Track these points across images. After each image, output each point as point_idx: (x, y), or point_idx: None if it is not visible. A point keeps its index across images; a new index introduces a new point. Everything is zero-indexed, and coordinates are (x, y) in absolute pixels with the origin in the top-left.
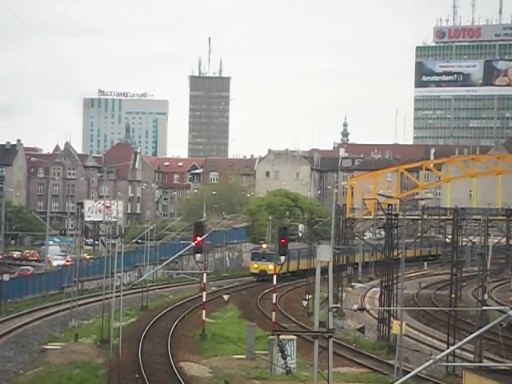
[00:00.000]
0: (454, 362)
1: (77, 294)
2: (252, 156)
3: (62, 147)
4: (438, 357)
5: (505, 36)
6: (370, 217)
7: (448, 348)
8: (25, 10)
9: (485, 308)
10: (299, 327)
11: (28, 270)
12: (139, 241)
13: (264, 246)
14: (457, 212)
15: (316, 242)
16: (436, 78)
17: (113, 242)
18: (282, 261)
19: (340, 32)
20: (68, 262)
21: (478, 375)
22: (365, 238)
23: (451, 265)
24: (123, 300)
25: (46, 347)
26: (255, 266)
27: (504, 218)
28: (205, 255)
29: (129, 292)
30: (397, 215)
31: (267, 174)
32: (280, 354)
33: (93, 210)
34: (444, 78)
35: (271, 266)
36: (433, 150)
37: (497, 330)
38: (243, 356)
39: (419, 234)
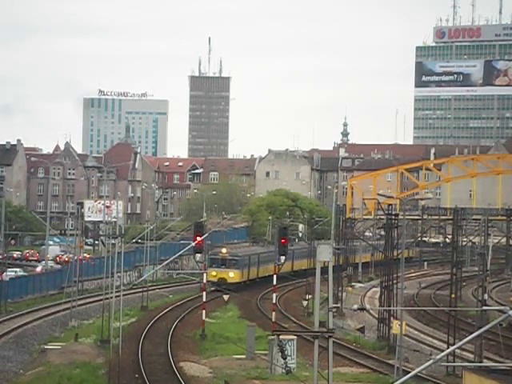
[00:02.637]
0: (454, 361)
1: (77, 294)
2: (252, 156)
3: (62, 147)
4: (438, 357)
5: (505, 36)
6: (370, 217)
7: (448, 348)
8: (25, 9)
9: (485, 308)
10: (299, 327)
11: (51, 267)
12: (139, 241)
13: (223, 250)
14: (457, 212)
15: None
16: (436, 78)
17: (113, 242)
18: (282, 261)
19: (340, 32)
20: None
21: (478, 375)
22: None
23: (451, 265)
24: (123, 300)
25: (46, 347)
26: (213, 273)
27: (504, 218)
28: (205, 255)
29: (129, 292)
30: (397, 215)
31: (267, 174)
32: (280, 353)
33: (93, 210)
34: (444, 78)
35: (232, 274)
36: (433, 150)
37: (497, 330)
38: (243, 356)
39: (419, 235)
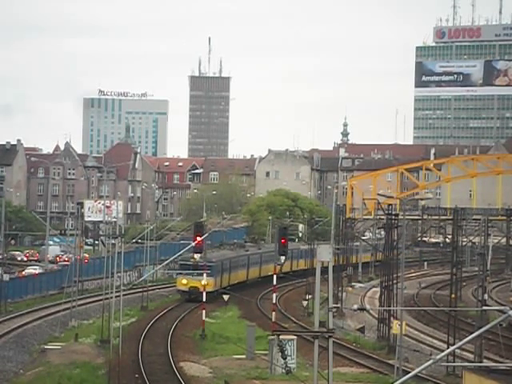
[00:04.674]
0: (454, 361)
1: (77, 294)
2: (252, 156)
3: (62, 147)
4: (438, 357)
5: (505, 36)
6: (370, 217)
7: (448, 348)
8: (25, 9)
9: (485, 308)
10: (299, 327)
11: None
12: (139, 241)
13: (196, 255)
14: (457, 212)
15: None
16: (436, 78)
17: (113, 241)
18: (282, 261)
19: (340, 32)
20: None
21: (478, 375)
22: (365, 237)
23: (451, 265)
24: (123, 300)
25: (46, 347)
26: (184, 281)
27: (504, 218)
28: (205, 255)
29: (129, 292)
30: (397, 215)
31: (267, 173)
32: (280, 353)
33: (93, 210)
34: (444, 77)
35: (205, 282)
36: (433, 150)
37: (497, 330)
38: (243, 356)
39: (419, 235)
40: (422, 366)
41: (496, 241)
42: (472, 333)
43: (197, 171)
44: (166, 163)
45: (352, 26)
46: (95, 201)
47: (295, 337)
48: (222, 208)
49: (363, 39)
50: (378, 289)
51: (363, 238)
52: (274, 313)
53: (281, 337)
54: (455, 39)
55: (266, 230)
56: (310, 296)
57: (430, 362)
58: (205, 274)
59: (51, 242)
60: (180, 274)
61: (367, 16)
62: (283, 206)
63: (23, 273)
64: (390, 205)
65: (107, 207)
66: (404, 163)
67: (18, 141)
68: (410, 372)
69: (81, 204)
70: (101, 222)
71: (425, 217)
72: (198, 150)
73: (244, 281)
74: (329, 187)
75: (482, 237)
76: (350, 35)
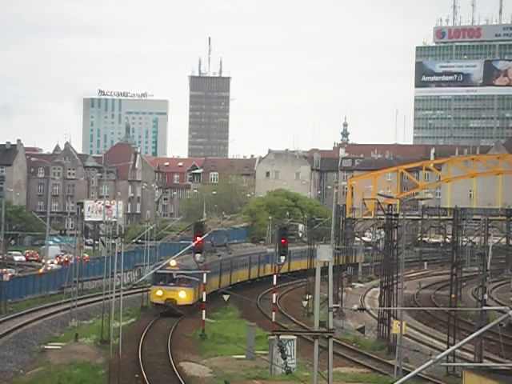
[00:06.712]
0: (454, 361)
1: (77, 294)
2: (252, 156)
3: (62, 147)
4: (438, 357)
5: (505, 36)
6: (370, 217)
7: (448, 348)
8: (25, 9)
9: (485, 308)
10: (299, 327)
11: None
12: (139, 241)
13: (173, 263)
14: (457, 212)
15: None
16: (436, 78)
17: (113, 242)
18: (282, 261)
19: (340, 32)
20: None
21: (478, 375)
22: (365, 238)
23: (451, 265)
24: (123, 300)
25: (46, 347)
26: (158, 293)
27: (504, 218)
28: (205, 255)
29: (129, 292)
30: (397, 215)
31: (267, 174)
32: (280, 353)
33: (93, 210)
34: (444, 78)
35: (182, 294)
36: (433, 150)
37: (497, 330)
38: (243, 356)
39: (419, 235)
40: (422, 366)
41: (496, 241)
42: (472, 333)
43: (197, 171)
44: (166, 163)
45: (352, 26)
46: (95, 201)
47: (295, 337)
48: (222, 208)
49: (363, 39)
50: (378, 289)
51: (363, 238)
52: (274, 313)
53: (281, 337)
54: (455, 39)
55: (266, 230)
56: (309, 296)
57: (430, 361)
58: (205, 275)
59: (51, 242)
60: (155, 284)
61: (367, 16)
62: (283, 206)
63: (40, 270)
64: (389, 205)
65: (107, 207)
66: (404, 163)
67: (18, 141)
68: (409, 372)
69: (81, 204)
70: (101, 222)
71: (425, 217)
72: (198, 150)
73: (216, 290)
74: (329, 187)
75: (482, 237)
76: (349, 35)
